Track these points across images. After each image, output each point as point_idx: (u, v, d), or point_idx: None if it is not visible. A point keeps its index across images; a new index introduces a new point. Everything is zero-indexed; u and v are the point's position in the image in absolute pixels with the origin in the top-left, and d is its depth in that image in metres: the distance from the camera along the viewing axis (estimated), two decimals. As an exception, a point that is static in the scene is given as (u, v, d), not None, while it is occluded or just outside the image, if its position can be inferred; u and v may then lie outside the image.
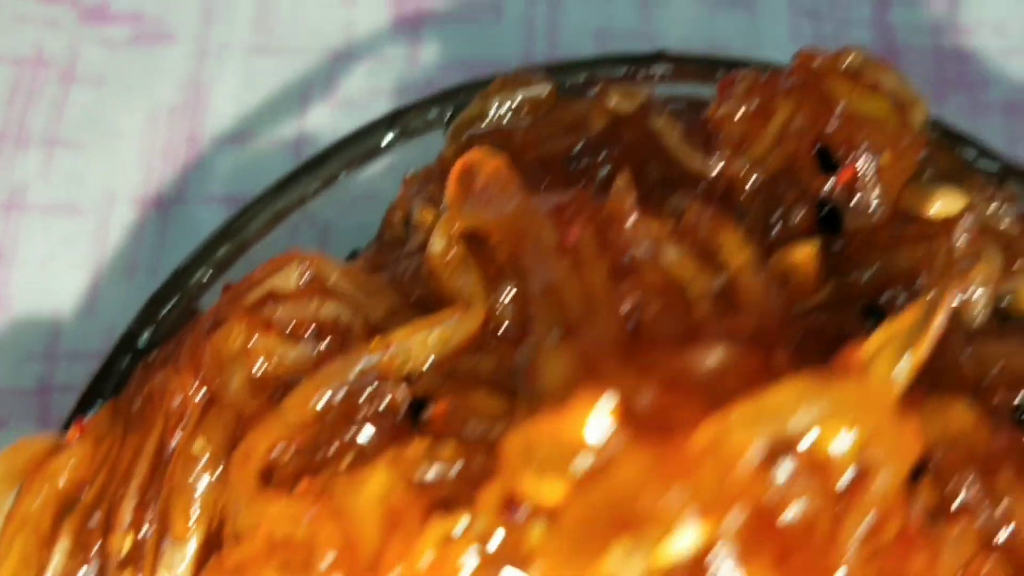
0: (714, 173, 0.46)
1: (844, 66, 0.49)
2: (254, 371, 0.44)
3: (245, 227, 0.50)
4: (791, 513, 0.32)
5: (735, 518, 0.31)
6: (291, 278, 0.46)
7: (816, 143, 0.46)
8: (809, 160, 0.46)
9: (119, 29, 0.75)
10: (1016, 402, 0.44)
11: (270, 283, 0.46)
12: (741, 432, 0.32)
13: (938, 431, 0.36)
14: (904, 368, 0.33)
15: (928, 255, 0.47)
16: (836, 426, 0.32)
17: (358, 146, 0.52)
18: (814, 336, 0.42)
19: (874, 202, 0.47)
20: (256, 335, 0.44)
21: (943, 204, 0.48)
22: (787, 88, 0.47)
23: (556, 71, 0.53)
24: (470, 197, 0.44)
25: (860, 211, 0.47)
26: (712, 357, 0.35)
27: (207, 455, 0.42)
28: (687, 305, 0.39)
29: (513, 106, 0.51)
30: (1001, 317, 0.50)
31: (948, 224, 0.48)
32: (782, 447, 0.32)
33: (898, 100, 0.51)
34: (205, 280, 0.51)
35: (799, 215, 0.46)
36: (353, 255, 0.51)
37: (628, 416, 0.31)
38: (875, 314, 0.47)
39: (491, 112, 0.50)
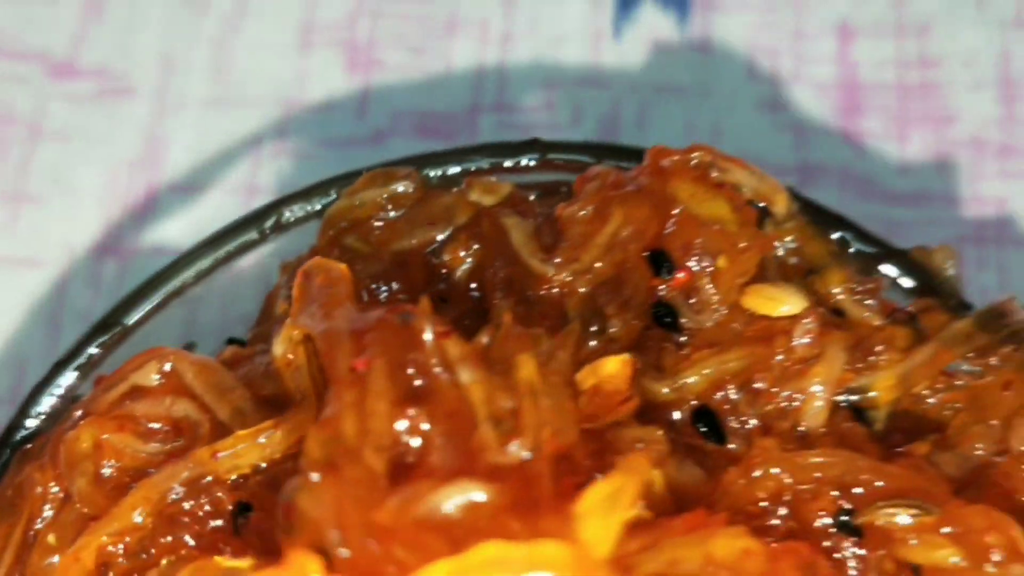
0: (552, 276, 0.48)
1: (693, 164, 0.49)
2: (104, 469, 0.47)
3: (126, 314, 0.53)
4: None
5: None
6: (151, 374, 0.49)
7: (650, 247, 0.47)
8: (642, 265, 0.47)
9: (85, 84, 0.79)
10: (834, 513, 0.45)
11: (133, 378, 0.49)
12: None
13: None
14: (611, 528, 0.34)
15: (763, 357, 0.48)
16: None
17: (238, 236, 0.55)
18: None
19: (713, 303, 0.48)
20: (107, 433, 0.47)
21: (783, 305, 0.48)
22: (628, 191, 0.48)
23: (427, 162, 0.54)
24: (309, 304, 0.46)
25: (698, 311, 0.48)
26: (456, 497, 0.36)
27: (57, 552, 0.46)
28: (473, 431, 0.40)
29: (381, 199, 0.53)
30: (857, 413, 0.50)
31: (791, 324, 0.48)
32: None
33: (757, 194, 0.52)
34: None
35: (621, 325, 0.47)
36: (232, 342, 0.54)
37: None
38: (706, 416, 0.48)
39: (356, 206, 0.52)
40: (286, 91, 0.79)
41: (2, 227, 0.75)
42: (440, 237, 0.52)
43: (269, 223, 0.55)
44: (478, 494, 0.37)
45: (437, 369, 0.41)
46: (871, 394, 0.50)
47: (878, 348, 0.49)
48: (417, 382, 0.41)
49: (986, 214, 0.78)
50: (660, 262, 0.48)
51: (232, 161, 0.77)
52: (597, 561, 0.34)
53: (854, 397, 0.50)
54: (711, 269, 0.48)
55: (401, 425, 0.40)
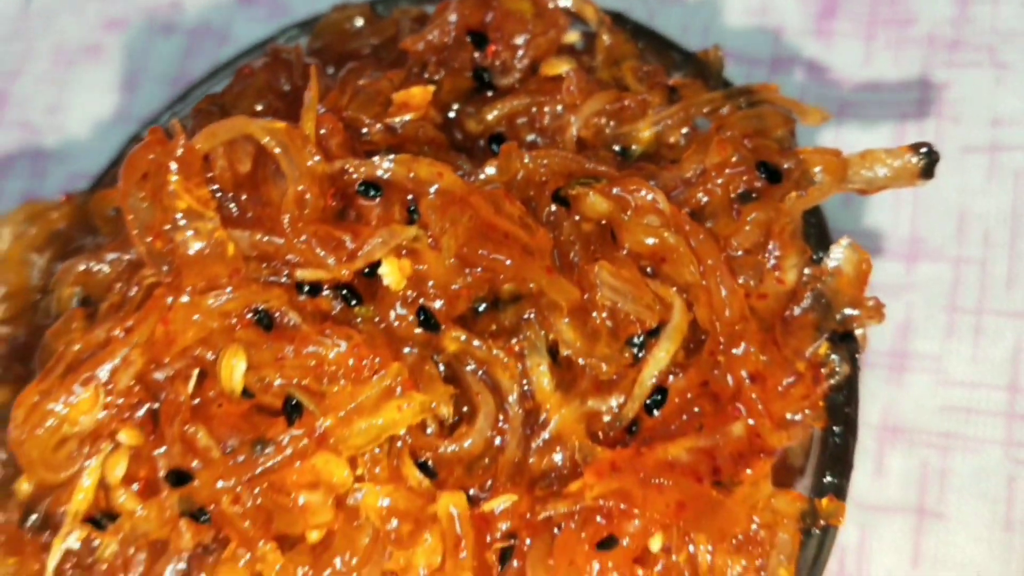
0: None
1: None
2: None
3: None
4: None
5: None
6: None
7: (474, 30, 0.71)
8: (466, 42, 0.71)
9: None
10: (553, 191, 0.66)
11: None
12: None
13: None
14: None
15: (543, 101, 0.70)
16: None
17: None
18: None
19: (514, 68, 0.71)
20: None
21: (563, 68, 0.70)
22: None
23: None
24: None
25: (502, 72, 0.71)
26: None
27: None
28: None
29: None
30: (623, 151, 0.70)
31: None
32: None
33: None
34: None
35: (446, 76, 0.70)
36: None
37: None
38: (496, 141, 0.70)
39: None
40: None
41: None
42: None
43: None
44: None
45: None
46: (637, 136, 0.70)
47: (635, 105, 0.69)
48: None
49: (929, 96, 0.92)
50: (480, 40, 0.71)
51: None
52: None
53: (621, 139, 0.70)
54: (514, 43, 0.70)
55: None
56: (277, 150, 0.59)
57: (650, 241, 0.62)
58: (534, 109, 0.69)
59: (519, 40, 0.70)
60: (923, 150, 0.65)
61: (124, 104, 1.09)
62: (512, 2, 0.71)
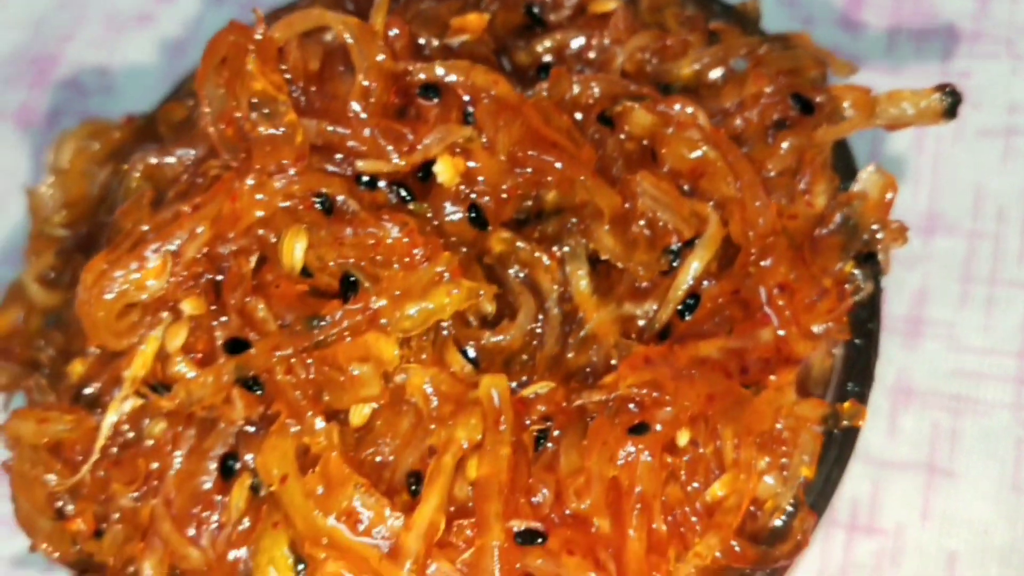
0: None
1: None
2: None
3: None
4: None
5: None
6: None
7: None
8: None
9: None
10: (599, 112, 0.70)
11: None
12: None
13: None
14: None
15: (592, 35, 0.74)
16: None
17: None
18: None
19: (566, 4, 0.75)
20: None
21: (610, 5, 0.74)
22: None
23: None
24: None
25: (553, 8, 0.75)
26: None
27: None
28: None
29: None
30: (664, 87, 0.74)
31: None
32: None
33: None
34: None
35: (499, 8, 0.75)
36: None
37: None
38: (544, 70, 0.74)
39: None
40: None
41: None
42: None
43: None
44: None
45: None
46: (678, 72, 0.74)
47: (677, 44, 0.74)
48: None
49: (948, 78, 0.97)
50: (533, -26, 0.76)
51: None
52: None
53: (663, 76, 0.74)
54: (564, -11, 0.75)
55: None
56: (349, 40, 0.63)
57: (691, 154, 0.66)
58: (582, 40, 0.73)
59: (567, -16, 0.75)
60: (948, 90, 0.69)
61: (172, 70, 1.14)
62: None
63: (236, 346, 0.63)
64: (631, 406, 0.63)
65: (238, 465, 0.65)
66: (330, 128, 0.64)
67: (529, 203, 0.68)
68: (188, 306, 0.64)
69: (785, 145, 0.67)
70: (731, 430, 0.63)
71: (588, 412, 0.64)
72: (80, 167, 0.82)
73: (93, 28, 1.19)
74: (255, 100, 0.63)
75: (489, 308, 0.66)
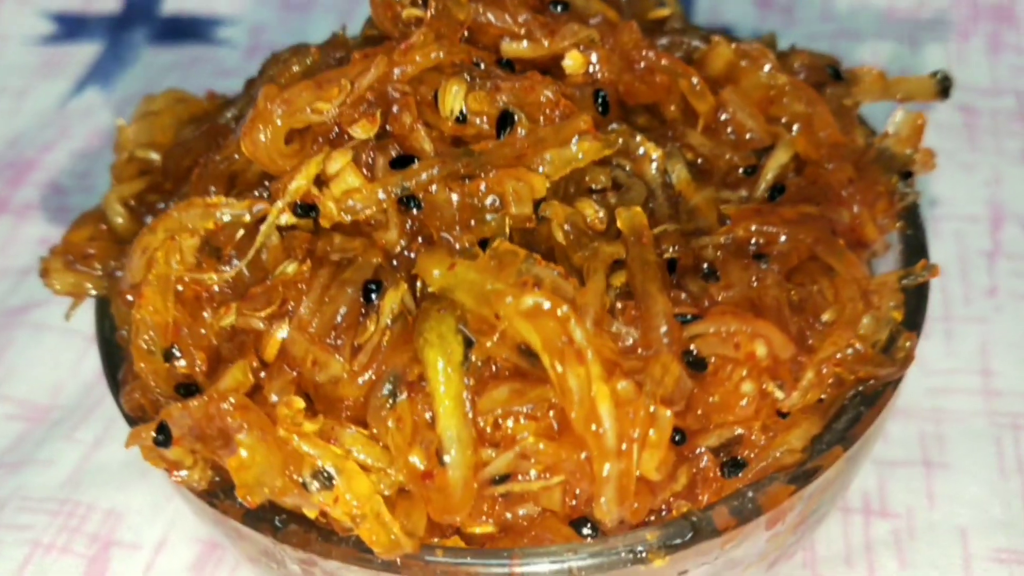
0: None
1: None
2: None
3: None
4: None
5: None
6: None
7: None
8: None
9: None
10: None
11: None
12: None
13: None
14: None
15: None
16: None
17: None
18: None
19: None
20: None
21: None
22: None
23: None
24: None
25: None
26: None
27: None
28: None
29: None
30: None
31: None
32: None
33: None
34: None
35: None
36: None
37: None
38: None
39: None
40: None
41: None
42: None
43: None
44: None
45: None
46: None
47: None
48: None
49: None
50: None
51: None
52: None
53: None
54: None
55: None
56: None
57: (768, 79, 0.79)
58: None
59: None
60: (939, 77, 0.86)
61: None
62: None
63: (402, 162, 0.69)
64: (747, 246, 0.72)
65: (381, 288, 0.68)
66: (484, 13, 0.75)
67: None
68: (359, 129, 0.69)
69: (827, 92, 0.82)
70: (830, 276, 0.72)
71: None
72: (167, 121, 0.87)
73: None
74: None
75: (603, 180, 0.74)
